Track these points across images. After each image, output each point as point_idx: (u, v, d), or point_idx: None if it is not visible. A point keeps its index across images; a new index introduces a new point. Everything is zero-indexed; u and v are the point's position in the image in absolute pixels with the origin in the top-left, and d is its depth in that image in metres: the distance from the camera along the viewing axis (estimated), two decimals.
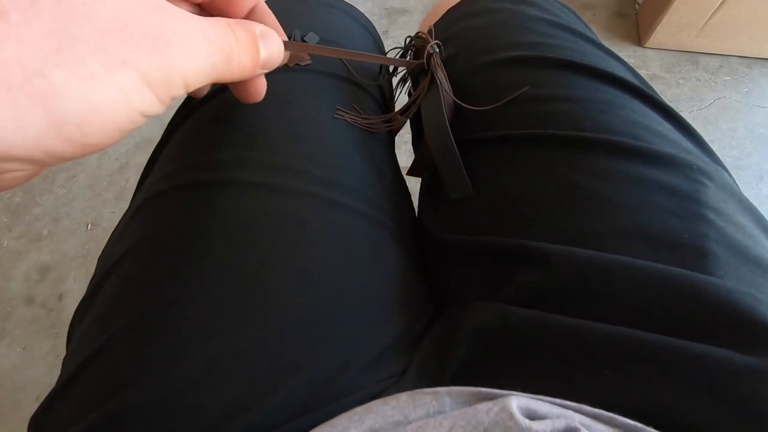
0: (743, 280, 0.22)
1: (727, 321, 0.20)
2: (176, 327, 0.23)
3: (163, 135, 0.35)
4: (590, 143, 0.28)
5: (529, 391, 0.20)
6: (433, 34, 0.34)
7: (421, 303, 0.30)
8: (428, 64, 0.33)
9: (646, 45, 1.13)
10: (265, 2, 0.41)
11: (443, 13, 0.42)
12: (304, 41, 0.34)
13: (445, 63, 0.35)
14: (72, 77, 0.14)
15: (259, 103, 0.30)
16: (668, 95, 1.07)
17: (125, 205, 1.06)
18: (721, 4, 0.99)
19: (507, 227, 0.28)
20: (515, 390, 0.20)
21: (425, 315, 0.30)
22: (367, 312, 0.26)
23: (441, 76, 0.32)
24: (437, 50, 0.32)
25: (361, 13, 0.43)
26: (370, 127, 0.34)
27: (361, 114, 0.34)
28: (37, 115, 0.14)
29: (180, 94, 0.18)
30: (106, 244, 0.31)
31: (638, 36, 1.15)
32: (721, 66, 1.11)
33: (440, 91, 0.31)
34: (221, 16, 0.22)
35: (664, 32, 1.08)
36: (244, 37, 0.21)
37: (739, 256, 0.23)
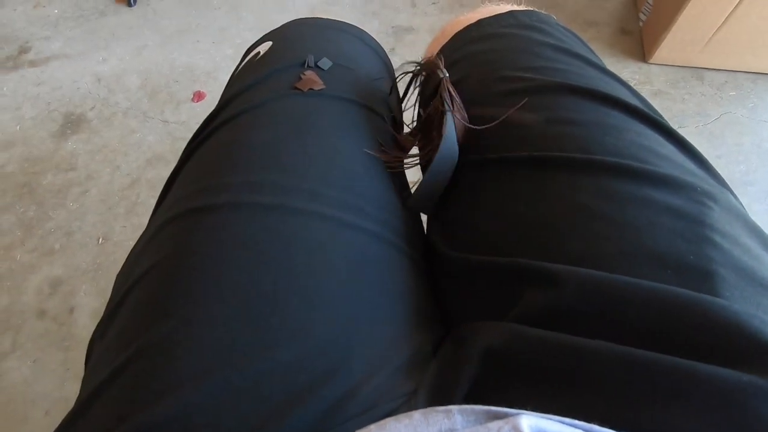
0: (750, 301, 0.22)
1: (734, 342, 0.20)
2: (194, 349, 0.23)
3: (180, 157, 0.36)
4: (596, 165, 0.28)
5: (540, 410, 0.20)
6: (442, 59, 0.35)
7: (431, 322, 0.30)
8: (438, 89, 0.33)
9: (651, 61, 1.14)
10: (279, 28, 0.42)
11: (450, 36, 0.43)
12: (318, 66, 0.36)
13: (454, 85, 0.35)
14: None
15: (274, 126, 0.31)
16: (674, 111, 1.08)
17: (136, 220, 1.07)
18: (725, 20, 1.00)
19: (515, 247, 0.28)
20: (526, 409, 0.20)
21: (435, 333, 0.30)
22: (381, 333, 0.26)
23: (450, 100, 0.33)
24: (447, 75, 0.33)
25: (371, 36, 0.44)
26: (396, 165, 0.35)
27: (388, 151, 0.35)
28: None
29: None
30: (125, 263, 0.32)
31: (642, 52, 1.16)
32: (726, 81, 1.12)
33: (451, 115, 0.32)
34: None
35: (669, 48, 1.09)
36: None
37: (745, 278, 0.23)
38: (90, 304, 0.87)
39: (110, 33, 1.31)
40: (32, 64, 1.25)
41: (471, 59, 0.39)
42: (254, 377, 0.23)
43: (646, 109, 0.33)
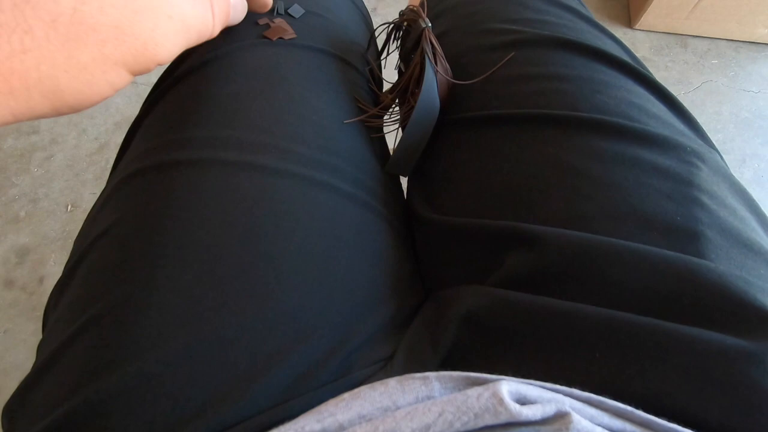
0: (735, 263, 0.22)
1: (718, 304, 0.20)
2: (153, 313, 0.22)
3: (140, 111, 0.33)
4: (584, 123, 0.27)
5: (520, 375, 0.20)
6: (425, 9, 0.33)
7: (410, 286, 0.29)
8: (420, 40, 0.31)
9: (636, 27, 1.12)
10: None
11: None
12: (289, 14, 0.33)
13: (438, 39, 0.33)
14: (75, 80, 0.19)
15: (242, 78, 0.29)
16: (657, 78, 1.07)
17: None
18: None
19: (498, 209, 0.28)
20: (506, 374, 0.20)
21: (415, 298, 0.29)
22: (355, 296, 0.25)
23: (432, 52, 0.31)
24: (430, 25, 0.31)
25: None
26: (374, 124, 0.33)
27: (365, 106, 0.33)
28: (43, 105, 0.19)
29: (150, 71, 0.22)
30: (83, 225, 0.30)
31: (628, 18, 1.14)
32: (709, 49, 1.11)
33: (431, 66, 0.30)
34: None
35: (655, 14, 1.08)
36: (221, 11, 0.22)
37: (731, 239, 0.23)
38: (60, 273, 0.85)
39: None
40: None
41: (455, 10, 0.37)
42: (217, 344, 0.21)
43: (636, 65, 0.32)
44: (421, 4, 0.34)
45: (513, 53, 0.31)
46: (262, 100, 0.29)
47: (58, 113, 0.19)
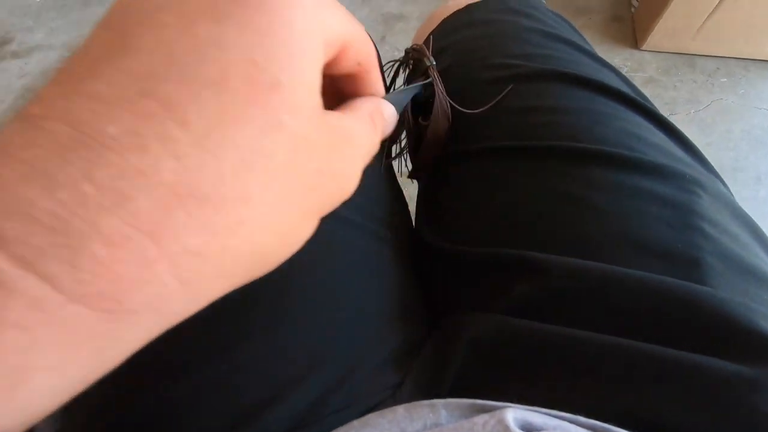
0: (737, 289, 0.22)
1: (720, 331, 0.20)
2: (171, 343, 0.22)
3: None
4: (585, 154, 0.28)
5: (526, 402, 0.20)
6: (430, 46, 0.35)
7: (418, 314, 0.30)
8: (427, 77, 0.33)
9: (643, 48, 1.13)
10: None
11: (438, 22, 0.43)
12: None
13: (441, 74, 0.35)
14: (282, 240, 0.15)
15: None
16: (665, 98, 1.08)
17: None
18: (717, 6, 0.99)
19: (503, 238, 0.28)
20: (512, 401, 0.20)
21: (423, 326, 0.30)
22: (366, 325, 0.26)
23: (439, 89, 0.32)
24: (434, 63, 0.33)
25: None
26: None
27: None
28: (241, 279, 0.15)
29: None
30: None
31: (634, 39, 1.15)
32: (717, 68, 1.12)
33: (439, 103, 0.31)
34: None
35: (660, 35, 1.09)
36: (381, 126, 0.20)
37: (733, 266, 0.23)
38: None
39: (95, 24, 1.28)
40: (15, 55, 1.22)
41: (458, 46, 0.39)
42: (232, 371, 0.22)
43: (636, 97, 0.32)
44: (426, 42, 0.35)
45: (511, 87, 0.32)
46: None
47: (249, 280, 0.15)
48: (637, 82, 1.10)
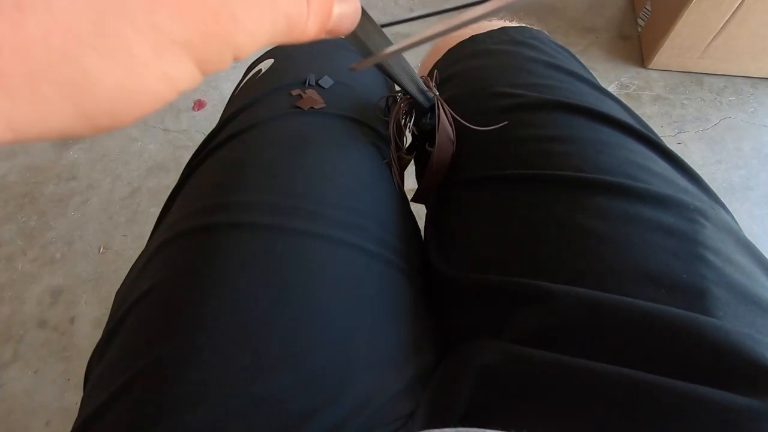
0: (743, 320, 0.22)
1: (727, 363, 0.20)
2: (193, 372, 0.23)
3: (181, 175, 0.36)
4: (589, 183, 0.28)
5: (536, 430, 0.20)
6: (434, 77, 0.36)
7: (431, 342, 0.30)
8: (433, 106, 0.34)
9: (650, 66, 1.14)
10: (281, 45, 0.43)
11: (443, 52, 0.44)
12: (319, 85, 0.36)
13: (447, 102, 0.36)
14: (109, 63, 0.11)
15: (275, 146, 0.31)
16: (673, 116, 1.08)
17: (136, 229, 1.07)
18: (724, 25, 1.00)
19: (509, 266, 0.28)
20: (521, 430, 0.20)
21: (435, 354, 0.30)
22: (379, 355, 0.26)
23: (444, 116, 0.33)
24: (437, 94, 0.34)
25: None
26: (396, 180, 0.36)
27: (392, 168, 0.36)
28: (63, 108, 0.11)
29: (225, 68, 0.14)
30: (124, 282, 0.32)
31: (641, 58, 1.16)
32: (725, 86, 1.12)
33: (443, 129, 0.32)
34: None
35: (668, 54, 1.09)
36: (319, 7, 0.16)
37: (738, 296, 0.23)
38: (91, 314, 0.87)
39: None
40: None
41: (464, 75, 0.40)
42: (250, 402, 0.22)
43: (639, 126, 0.33)
44: (430, 73, 0.36)
45: (506, 122, 0.33)
46: (294, 166, 0.31)
47: (91, 128, 0.12)
48: (645, 100, 1.10)
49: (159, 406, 0.22)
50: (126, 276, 0.32)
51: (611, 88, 1.12)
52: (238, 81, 1.14)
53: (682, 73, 1.14)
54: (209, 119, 1.12)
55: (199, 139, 1.09)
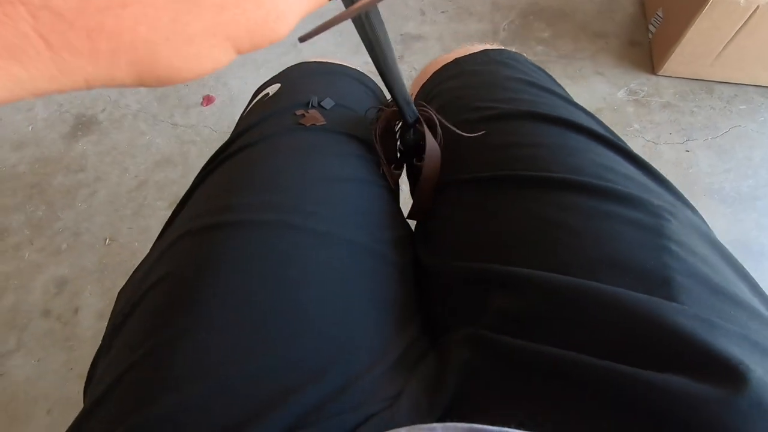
0: (705, 305, 0.23)
1: (684, 348, 0.21)
2: (193, 353, 0.25)
3: (193, 182, 0.39)
4: (558, 182, 0.30)
5: (513, 419, 0.21)
6: (413, 96, 0.40)
7: (417, 329, 0.32)
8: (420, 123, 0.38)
9: (660, 73, 1.13)
10: (287, 71, 0.47)
11: (429, 75, 0.48)
12: (321, 106, 0.41)
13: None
14: (176, 51, 0.14)
15: (280, 156, 0.35)
16: (682, 123, 1.07)
17: (143, 222, 1.08)
18: (736, 33, 0.99)
19: (484, 256, 0.30)
20: (503, 418, 0.21)
21: (422, 341, 0.31)
22: (368, 340, 0.28)
23: (431, 135, 0.37)
24: (416, 112, 0.38)
25: (368, 77, 0.50)
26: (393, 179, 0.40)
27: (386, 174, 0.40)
28: (126, 75, 0.14)
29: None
30: (132, 277, 0.34)
31: (651, 64, 1.15)
32: (736, 95, 1.11)
33: (430, 143, 0.36)
34: None
35: (678, 61, 1.09)
36: None
37: (700, 283, 0.25)
38: (95, 305, 0.88)
39: None
40: None
41: (447, 94, 0.44)
42: (245, 378, 0.24)
43: (607, 134, 0.35)
44: (418, 94, 0.39)
45: (484, 130, 0.36)
46: (296, 172, 0.34)
47: (140, 85, 0.15)
48: (654, 107, 1.10)
49: (158, 385, 0.24)
50: (134, 272, 0.34)
51: (620, 94, 1.12)
52: (246, 78, 1.15)
53: (692, 80, 1.13)
54: (217, 115, 1.13)
55: (207, 134, 1.10)
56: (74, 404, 0.79)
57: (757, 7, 0.93)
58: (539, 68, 0.47)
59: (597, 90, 1.13)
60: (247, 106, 0.48)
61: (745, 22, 0.96)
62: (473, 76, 0.44)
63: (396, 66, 0.31)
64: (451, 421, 0.21)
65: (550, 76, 0.46)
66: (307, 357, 0.25)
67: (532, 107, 0.37)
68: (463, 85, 0.44)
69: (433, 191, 0.38)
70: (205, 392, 0.24)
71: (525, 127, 0.35)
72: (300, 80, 0.45)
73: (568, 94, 0.42)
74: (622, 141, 0.36)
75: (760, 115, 1.08)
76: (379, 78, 0.32)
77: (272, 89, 0.45)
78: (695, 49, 1.05)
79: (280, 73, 0.48)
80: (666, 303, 0.23)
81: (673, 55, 1.07)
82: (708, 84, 1.12)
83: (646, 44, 1.19)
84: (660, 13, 1.14)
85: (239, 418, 0.23)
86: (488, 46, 0.48)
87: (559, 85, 0.45)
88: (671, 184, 0.33)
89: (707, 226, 0.31)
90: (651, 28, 1.19)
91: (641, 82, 1.14)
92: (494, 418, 0.22)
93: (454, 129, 0.36)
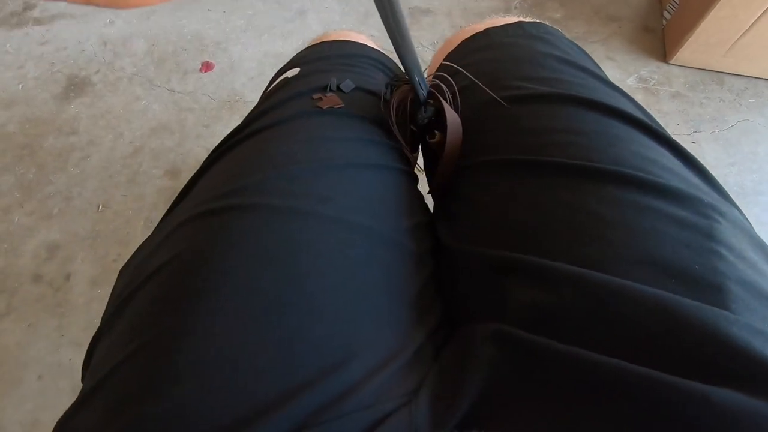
0: (756, 314, 0.22)
1: (739, 361, 0.20)
2: (197, 345, 0.23)
3: (204, 162, 0.37)
4: (599, 172, 0.28)
5: (540, 427, 0.20)
6: (441, 67, 0.37)
7: (435, 322, 0.30)
8: (436, 98, 0.36)
9: (671, 61, 1.11)
10: (305, 54, 0.46)
11: (457, 44, 0.45)
12: (340, 89, 0.39)
13: (459, 92, 0.37)
14: None
15: (293, 140, 0.33)
16: (690, 114, 1.06)
17: (137, 189, 1.06)
18: (752, 25, 0.97)
19: (513, 244, 0.28)
20: (531, 428, 0.19)
21: (440, 334, 0.30)
22: (384, 334, 0.26)
23: (449, 106, 0.34)
24: (427, 88, 0.36)
25: (388, 57, 0.48)
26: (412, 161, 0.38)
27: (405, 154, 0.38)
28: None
29: None
30: (135, 256, 0.32)
31: (664, 52, 1.13)
32: (746, 88, 1.09)
33: (451, 118, 0.34)
34: None
35: (691, 50, 1.07)
36: None
37: (752, 291, 0.23)
38: (87, 271, 0.87)
39: None
40: (37, 21, 1.21)
41: (477, 66, 0.40)
42: (252, 373, 0.23)
43: (651, 123, 0.32)
44: (443, 65, 0.37)
45: (515, 111, 0.34)
46: (310, 157, 0.32)
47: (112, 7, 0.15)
48: (663, 96, 1.08)
49: (160, 377, 0.22)
50: (134, 254, 0.33)
51: (630, 81, 1.09)
52: (247, 45, 1.12)
53: (703, 70, 1.11)
54: (216, 82, 1.09)
55: (205, 101, 1.06)
56: (65, 370, 0.78)
57: None
58: (576, 45, 0.43)
59: (607, 75, 1.10)
60: (265, 91, 0.46)
61: (764, 11, 0.94)
62: (506, 49, 0.41)
63: (409, 35, 0.29)
64: (474, 427, 0.19)
65: (587, 54, 0.43)
66: (317, 352, 0.24)
67: (570, 90, 0.34)
68: (495, 58, 0.40)
69: (454, 165, 0.36)
70: (210, 386, 0.22)
71: (563, 111, 0.32)
72: (319, 63, 0.43)
73: (605, 75, 0.39)
74: (665, 130, 0.33)
75: None
76: (394, 55, 0.31)
77: (291, 73, 0.43)
78: (709, 39, 1.03)
79: (297, 56, 0.47)
80: (717, 310, 0.21)
81: (686, 43, 1.05)
82: (719, 75, 1.11)
83: (660, 31, 1.17)
84: (677, 0, 1.11)
85: (243, 415, 0.22)
86: (522, 18, 0.44)
87: (597, 65, 0.41)
88: (716, 180, 0.31)
89: (751, 225, 0.29)
90: (666, 14, 1.16)
91: (652, 69, 1.11)
92: (519, 424, 0.20)
93: (490, 92, 0.33)
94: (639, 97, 1.07)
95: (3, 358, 0.79)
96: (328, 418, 0.22)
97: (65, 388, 0.77)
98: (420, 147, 0.44)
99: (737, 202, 0.31)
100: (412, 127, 0.40)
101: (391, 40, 0.28)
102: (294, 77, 0.42)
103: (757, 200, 0.95)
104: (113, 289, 0.31)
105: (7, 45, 1.17)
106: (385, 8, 0.25)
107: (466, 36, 0.45)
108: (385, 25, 0.26)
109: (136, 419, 0.21)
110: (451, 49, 0.46)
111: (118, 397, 0.23)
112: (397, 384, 0.25)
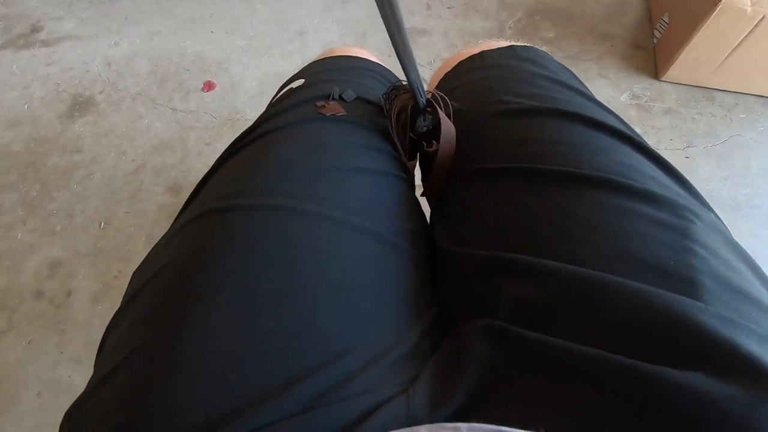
0: (728, 306, 0.23)
1: (709, 348, 0.21)
2: (202, 334, 0.25)
3: (212, 165, 0.39)
4: (585, 179, 0.30)
5: (533, 420, 0.21)
6: (440, 85, 0.39)
7: (431, 317, 0.32)
8: (433, 107, 0.39)
9: (663, 78, 1.13)
10: (311, 67, 0.48)
11: (454, 65, 0.48)
12: (342, 98, 0.41)
13: (454, 110, 0.40)
14: None
15: (296, 144, 0.35)
16: (683, 129, 1.08)
17: (138, 206, 1.07)
18: (740, 43, 1.00)
19: (504, 245, 0.30)
20: (524, 417, 0.20)
21: (436, 329, 0.32)
22: (382, 327, 0.28)
23: (444, 115, 0.36)
24: (425, 98, 0.38)
25: (390, 72, 0.51)
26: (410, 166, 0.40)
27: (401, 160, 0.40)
28: None
29: None
30: (146, 259, 0.34)
31: (655, 69, 1.16)
32: (737, 103, 1.12)
33: (446, 128, 0.36)
34: None
35: (682, 67, 1.09)
36: None
37: (723, 285, 0.25)
38: (88, 288, 0.87)
39: (123, 17, 1.30)
40: (44, 43, 1.24)
41: (471, 84, 0.44)
42: (256, 360, 0.24)
43: (633, 135, 0.35)
44: (440, 83, 0.40)
45: (505, 125, 0.36)
46: (311, 160, 0.34)
47: None
48: (656, 112, 1.10)
49: (167, 367, 0.24)
50: (146, 257, 0.34)
51: (623, 98, 1.12)
52: (248, 65, 1.14)
53: (694, 87, 1.14)
54: (217, 101, 1.11)
55: (207, 120, 1.09)
56: (65, 388, 0.78)
57: (763, 16, 0.94)
58: (564, 67, 0.46)
59: (600, 93, 1.13)
60: (273, 98, 0.48)
61: (750, 31, 0.97)
62: (498, 69, 0.44)
63: (410, 46, 0.31)
64: (470, 417, 0.20)
65: (574, 75, 0.46)
66: (320, 341, 0.25)
67: (558, 105, 0.36)
68: (488, 77, 0.43)
69: (447, 172, 0.38)
70: (213, 373, 0.23)
71: (551, 124, 0.35)
72: (322, 74, 0.46)
73: (592, 93, 0.42)
74: (645, 141, 0.35)
75: (759, 124, 1.09)
76: (395, 69, 0.33)
77: (296, 84, 0.46)
78: (699, 56, 1.05)
79: (303, 69, 0.49)
80: (690, 301, 0.23)
81: (677, 61, 1.08)
82: (710, 91, 1.13)
83: (651, 49, 1.20)
84: (666, 19, 1.14)
85: (249, 399, 0.23)
86: (515, 42, 0.48)
87: (584, 84, 0.44)
88: (693, 186, 0.33)
89: (728, 229, 0.31)
90: (656, 33, 1.19)
91: (644, 86, 1.14)
92: (513, 414, 0.22)
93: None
94: (632, 114, 1.10)
95: (3, 375, 0.79)
96: (332, 401, 0.24)
97: (65, 405, 0.76)
98: (417, 155, 0.46)
99: (731, 217, 0.33)
100: (411, 134, 0.42)
101: (392, 42, 0.30)
102: (298, 87, 0.45)
103: (751, 214, 0.96)
104: (126, 290, 0.32)
105: (14, 66, 1.19)
106: (386, 8, 0.26)
107: (463, 57, 0.48)
108: (385, 25, 0.28)
109: (147, 406, 0.22)
110: (448, 69, 0.49)
111: (123, 388, 0.24)
112: (395, 373, 0.26)
